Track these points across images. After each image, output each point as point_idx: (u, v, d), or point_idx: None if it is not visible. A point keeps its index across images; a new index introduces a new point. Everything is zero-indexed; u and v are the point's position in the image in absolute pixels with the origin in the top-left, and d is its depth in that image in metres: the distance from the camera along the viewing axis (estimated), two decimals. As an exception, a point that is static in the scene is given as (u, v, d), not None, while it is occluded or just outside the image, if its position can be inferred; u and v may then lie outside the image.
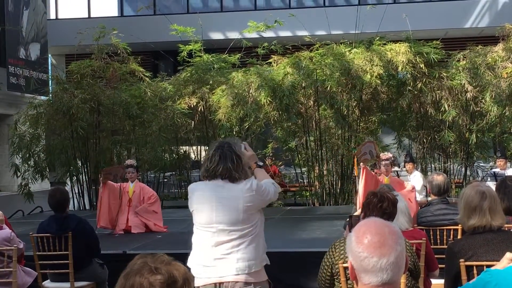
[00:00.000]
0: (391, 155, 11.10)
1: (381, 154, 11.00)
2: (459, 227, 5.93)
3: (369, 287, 2.35)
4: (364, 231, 2.39)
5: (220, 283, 4.33)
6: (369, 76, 14.61)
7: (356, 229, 2.44)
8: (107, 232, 10.82)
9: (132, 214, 10.95)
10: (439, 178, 6.64)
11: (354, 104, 15.65)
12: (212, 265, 4.36)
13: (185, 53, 17.19)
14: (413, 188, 10.36)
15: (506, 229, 4.51)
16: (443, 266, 4.60)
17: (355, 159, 10.24)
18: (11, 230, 6.80)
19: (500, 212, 4.35)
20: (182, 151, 18.71)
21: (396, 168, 12.97)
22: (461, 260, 4.17)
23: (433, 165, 16.45)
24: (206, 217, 4.42)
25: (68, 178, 16.38)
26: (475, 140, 15.20)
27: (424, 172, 15.16)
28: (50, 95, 17.22)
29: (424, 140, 15.98)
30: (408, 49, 14.86)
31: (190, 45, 17.31)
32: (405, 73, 15.21)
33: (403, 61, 14.71)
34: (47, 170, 16.57)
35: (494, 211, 4.29)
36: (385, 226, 2.41)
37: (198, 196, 4.52)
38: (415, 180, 12.55)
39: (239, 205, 4.37)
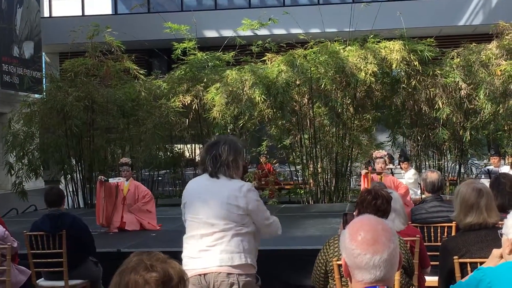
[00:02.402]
0: (385, 153, 11.17)
1: (375, 152, 11.07)
2: (453, 224, 5.95)
3: (362, 284, 2.36)
4: (358, 228, 2.40)
5: (204, 274, 4.39)
6: (363, 74, 14.61)
7: (350, 226, 2.44)
8: (102, 231, 10.82)
9: (126, 212, 10.95)
10: (433, 176, 6.64)
11: (348, 102, 15.64)
12: (198, 256, 4.43)
13: (179, 51, 17.14)
14: (407, 190, 10.40)
15: (500, 226, 4.52)
16: (437, 263, 4.61)
17: (366, 178, 10.39)
18: (4, 229, 6.79)
19: (495, 209, 4.38)
20: (176, 149, 18.69)
21: (391, 166, 12.97)
22: (455, 257, 4.18)
23: (427, 163, 16.48)
24: (194, 208, 4.52)
25: (62, 176, 16.36)
26: (469, 137, 15.24)
27: (419, 169, 15.18)
28: (44, 93, 17.21)
29: (418, 138, 16.00)
30: (402, 47, 14.86)
31: (184, 43, 17.27)
32: (399, 70, 15.21)
33: (397, 59, 14.71)
34: (41, 168, 16.55)
35: (490, 209, 4.31)
36: (378, 223, 2.42)
37: (191, 189, 4.64)
38: (409, 175, 12.57)
39: (222, 200, 4.42)
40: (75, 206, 16.04)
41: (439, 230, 6.23)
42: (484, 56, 14.94)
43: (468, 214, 4.30)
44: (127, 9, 26.82)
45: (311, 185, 15.69)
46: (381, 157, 10.62)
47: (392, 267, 2.35)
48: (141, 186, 11.59)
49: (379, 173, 10.39)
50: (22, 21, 23.78)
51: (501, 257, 3.40)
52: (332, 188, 15.66)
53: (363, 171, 10.68)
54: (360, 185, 12.39)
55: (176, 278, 2.22)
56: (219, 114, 14.85)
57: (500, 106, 14.60)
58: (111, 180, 11.26)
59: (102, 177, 11.22)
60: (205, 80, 16.15)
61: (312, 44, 15.58)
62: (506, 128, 15.56)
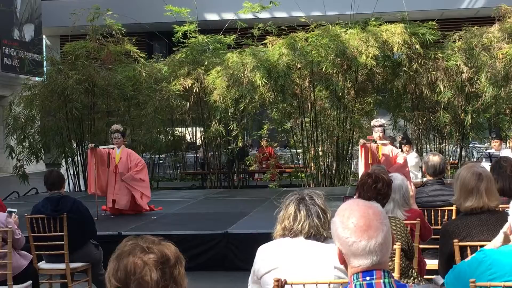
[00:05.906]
0: (383, 121, 10.94)
1: (373, 120, 10.90)
2: (454, 207, 5.94)
3: (359, 269, 2.34)
4: (349, 215, 2.37)
5: None
6: (364, 57, 14.57)
7: (340, 214, 2.40)
8: (102, 214, 10.81)
9: (118, 184, 10.84)
10: (435, 159, 6.63)
11: (350, 85, 15.61)
12: None
13: (180, 34, 17.10)
14: (405, 160, 10.32)
15: (500, 209, 4.52)
16: (438, 246, 4.61)
17: (364, 148, 10.20)
18: (7, 214, 6.76)
19: (495, 193, 4.36)
20: (177, 132, 18.69)
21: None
22: (455, 240, 4.17)
23: (428, 146, 16.47)
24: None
25: (63, 160, 16.37)
26: (470, 121, 15.21)
27: (420, 153, 15.17)
28: (45, 76, 17.18)
29: (420, 121, 15.97)
30: (404, 30, 14.81)
31: (185, 26, 17.21)
32: (400, 54, 15.18)
33: (398, 42, 14.67)
34: (42, 151, 16.57)
35: (490, 192, 4.30)
36: (368, 207, 2.39)
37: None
38: (410, 158, 12.53)
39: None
40: (76, 190, 16.07)
41: (439, 214, 6.23)
42: (486, 39, 14.89)
43: (468, 198, 4.29)
44: (127, -9, 26.67)
45: (312, 169, 15.69)
46: (380, 126, 10.37)
47: (387, 249, 2.33)
48: (134, 153, 11.34)
49: (376, 142, 10.21)
50: (23, 4, 23.73)
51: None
52: (333, 171, 15.67)
53: (361, 141, 10.41)
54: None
55: (173, 259, 2.24)
56: (220, 97, 14.83)
57: (502, 89, 14.56)
58: (101, 147, 11.09)
59: (92, 144, 11.07)
60: (206, 63, 16.11)
61: (313, 27, 15.53)
62: (507, 112, 15.53)
